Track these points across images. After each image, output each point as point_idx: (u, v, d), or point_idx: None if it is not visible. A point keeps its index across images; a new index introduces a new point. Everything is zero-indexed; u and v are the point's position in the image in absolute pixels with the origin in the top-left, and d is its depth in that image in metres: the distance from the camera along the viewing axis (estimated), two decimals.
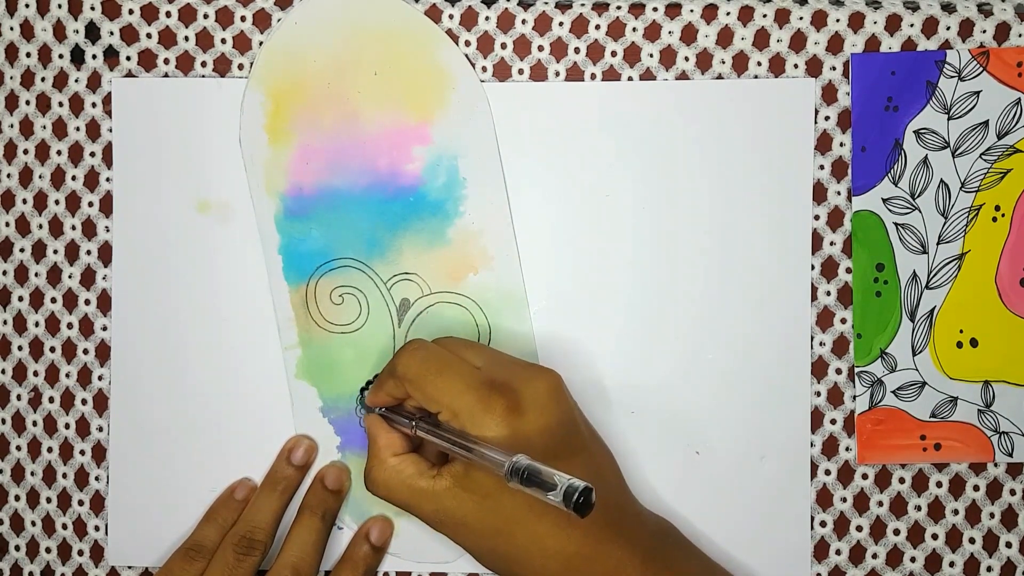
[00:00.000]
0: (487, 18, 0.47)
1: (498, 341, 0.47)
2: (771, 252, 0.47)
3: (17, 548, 0.48)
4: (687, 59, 0.47)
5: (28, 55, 0.48)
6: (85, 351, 0.48)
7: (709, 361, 0.47)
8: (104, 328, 0.48)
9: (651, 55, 0.47)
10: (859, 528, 0.47)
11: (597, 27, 0.47)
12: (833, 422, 0.47)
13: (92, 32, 0.48)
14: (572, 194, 0.47)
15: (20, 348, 0.48)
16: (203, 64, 0.47)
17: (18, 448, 0.48)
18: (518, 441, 0.39)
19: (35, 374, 0.48)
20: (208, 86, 0.47)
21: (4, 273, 0.48)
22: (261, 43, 0.47)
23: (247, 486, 0.47)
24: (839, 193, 0.47)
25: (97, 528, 0.48)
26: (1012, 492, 0.47)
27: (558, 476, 0.35)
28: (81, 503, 0.48)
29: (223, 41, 0.47)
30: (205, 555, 0.44)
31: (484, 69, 0.47)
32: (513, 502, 0.39)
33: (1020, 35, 0.46)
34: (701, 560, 0.43)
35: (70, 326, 0.48)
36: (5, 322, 0.48)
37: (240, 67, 0.47)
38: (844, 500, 0.47)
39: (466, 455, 0.39)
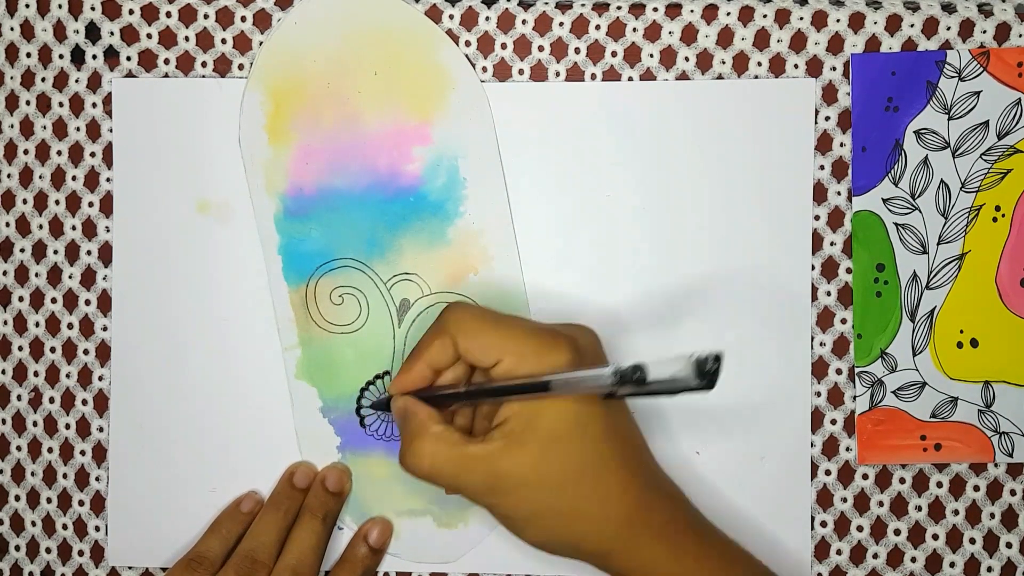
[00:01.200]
0: (487, 18, 0.47)
1: None
2: (771, 252, 0.47)
3: (17, 548, 0.48)
4: (687, 59, 0.47)
5: (28, 55, 0.48)
6: (85, 351, 0.48)
7: None
8: (104, 328, 0.48)
9: (651, 55, 0.47)
10: (860, 528, 0.47)
11: (597, 27, 0.47)
12: (833, 422, 0.47)
13: (92, 32, 0.48)
14: (572, 194, 0.47)
15: (20, 348, 0.48)
16: (203, 64, 0.47)
17: (18, 448, 0.48)
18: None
19: (35, 374, 0.48)
20: (208, 86, 0.47)
21: (4, 273, 0.48)
22: (261, 43, 0.47)
23: (253, 499, 0.47)
24: (839, 193, 0.47)
25: (97, 528, 0.48)
26: (1012, 492, 0.47)
27: (669, 361, 0.33)
28: (81, 503, 0.48)
29: (223, 41, 0.47)
30: (207, 567, 0.44)
31: (484, 69, 0.47)
32: (582, 448, 0.38)
33: (1020, 35, 0.46)
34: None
35: (70, 326, 0.48)
36: (5, 322, 0.48)
37: (240, 67, 0.47)
38: (844, 500, 0.47)
39: (545, 394, 0.37)
